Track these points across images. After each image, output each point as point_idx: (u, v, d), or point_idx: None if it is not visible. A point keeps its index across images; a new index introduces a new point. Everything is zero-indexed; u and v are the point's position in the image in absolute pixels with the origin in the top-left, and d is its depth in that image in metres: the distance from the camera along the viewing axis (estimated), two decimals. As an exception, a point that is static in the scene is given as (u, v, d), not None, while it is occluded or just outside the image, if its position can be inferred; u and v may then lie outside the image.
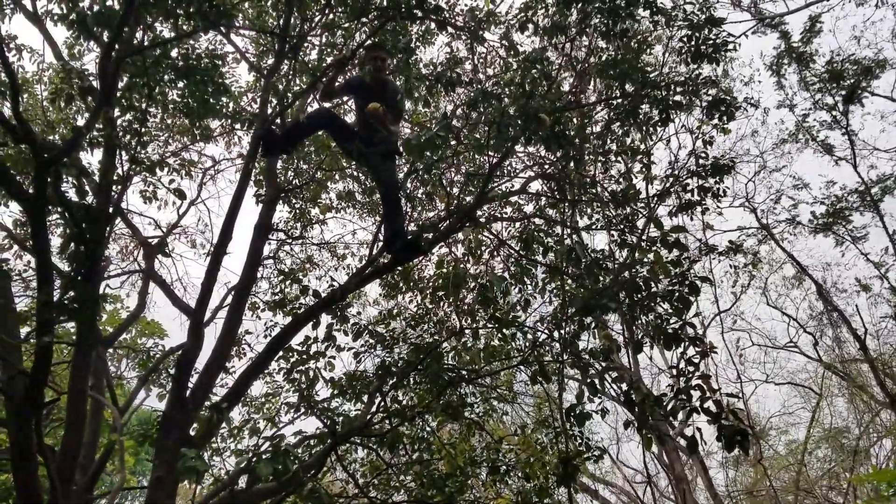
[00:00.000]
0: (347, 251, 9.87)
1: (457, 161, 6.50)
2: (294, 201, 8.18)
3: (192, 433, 4.41)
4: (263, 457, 3.61)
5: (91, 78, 4.64)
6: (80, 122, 7.04)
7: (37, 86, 7.73)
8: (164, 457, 4.20)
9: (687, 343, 4.31)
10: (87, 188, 4.05)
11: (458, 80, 5.29)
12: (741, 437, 3.69)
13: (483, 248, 7.38)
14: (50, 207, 3.84)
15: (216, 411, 3.96)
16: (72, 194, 4.12)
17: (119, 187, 4.94)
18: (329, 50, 6.72)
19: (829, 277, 17.42)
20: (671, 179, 5.64)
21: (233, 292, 6.24)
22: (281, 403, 6.75)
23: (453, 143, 5.30)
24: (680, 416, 4.08)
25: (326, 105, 6.18)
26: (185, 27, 4.93)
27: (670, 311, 4.40)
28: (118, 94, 5.00)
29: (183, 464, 3.34)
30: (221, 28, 5.41)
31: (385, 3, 4.88)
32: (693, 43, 5.31)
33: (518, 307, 5.98)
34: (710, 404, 3.91)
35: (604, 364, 4.68)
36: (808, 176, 23.03)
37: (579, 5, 5.13)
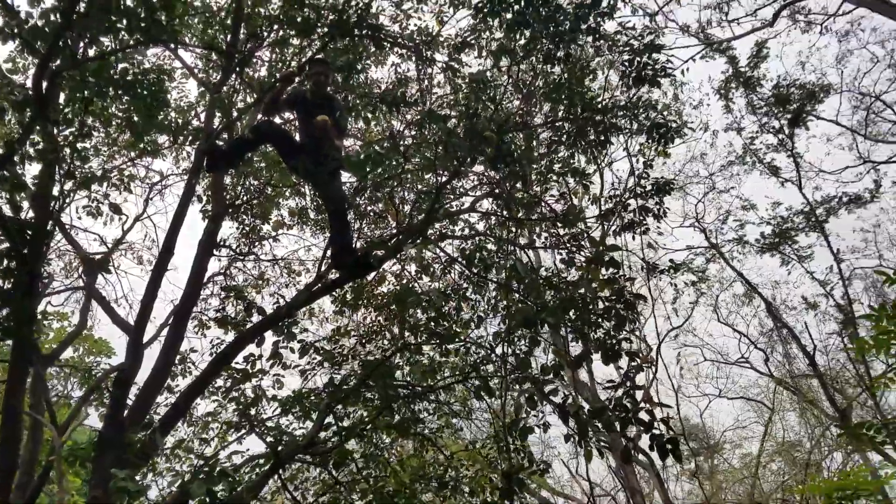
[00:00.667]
0: (302, 268, 9.82)
1: (408, 179, 6.55)
2: (243, 217, 8.11)
3: (127, 453, 4.33)
4: (198, 477, 3.57)
5: (28, 90, 4.56)
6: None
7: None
8: (100, 477, 4.12)
9: (626, 357, 4.42)
10: (22, 203, 3.98)
11: (403, 101, 5.35)
12: (672, 445, 3.77)
13: (434, 265, 7.42)
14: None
15: (152, 431, 3.90)
16: (6, 209, 4.05)
17: (58, 202, 4.85)
18: (278, 66, 6.72)
19: (777, 295, 17.91)
20: (613, 200, 5.77)
21: (176, 309, 6.16)
22: (223, 423, 6.64)
23: (402, 160, 5.34)
24: (618, 427, 4.16)
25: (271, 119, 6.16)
26: (130, 42, 4.90)
27: (612, 327, 4.50)
28: (59, 108, 4.93)
29: (114, 485, 3.29)
30: (167, 43, 5.39)
31: (331, 22, 4.92)
32: (634, 67, 5.47)
33: (471, 324, 6.04)
34: (643, 414, 4.00)
35: (547, 378, 4.75)
36: (755, 197, 23.71)
37: (525, 30, 5.25)
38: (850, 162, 15.81)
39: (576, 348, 5.05)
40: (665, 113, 7.42)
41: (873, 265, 17.01)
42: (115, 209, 5.38)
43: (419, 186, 7.02)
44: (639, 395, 4.14)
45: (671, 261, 7.24)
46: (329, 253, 5.55)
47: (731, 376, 27.86)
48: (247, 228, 8.13)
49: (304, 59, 6.01)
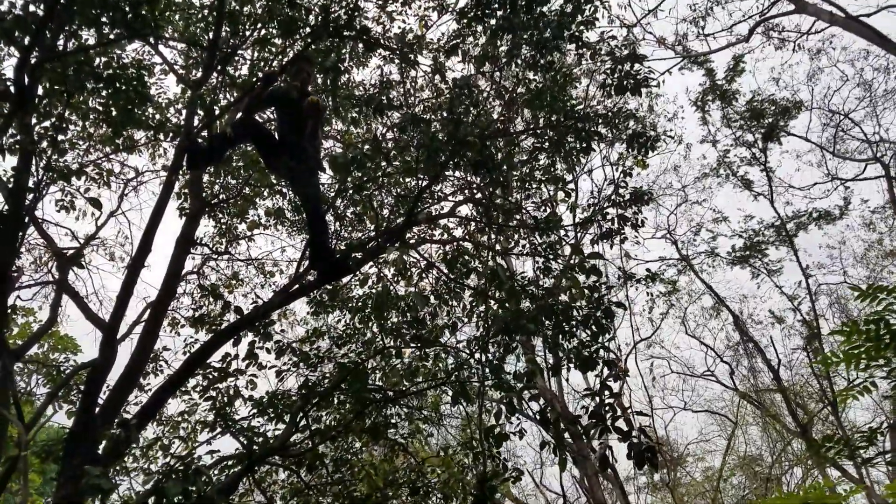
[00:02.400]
0: (276, 268, 9.75)
1: (387, 182, 6.54)
2: (220, 216, 8.04)
3: (99, 451, 4.26)
4: (173, 477, 3.52)
5: (7, 82, 4.48)
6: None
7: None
8: (69, 475, 4.04)
9: (602, 366, 4.46)
10: (-4, 195, 3.91)
11: (388, 105, 5.35)
12: (650, 453, 3.82)
13: (412, 269, 7.42)
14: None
15: (124, 429, 3.84)
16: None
17: (33, 195, 4.77)
18: (261, 65, 6.69)
19: (745, 309, 18.22)
20: (592, 208, 5.83)
21: (150, 307, 6.08)
22: (196, 422, 6.56)
23: (383, 164, 5.34)
24: (593, 434, 4.19)
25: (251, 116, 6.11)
26: (110, 36, 4.84)
27: (589, 335, 4.54)
28: (37, 101, 4.85)
29: (87, 482, 3.23)
30: (148, 38, 5.33)
31: (315, 21, 4.91)
32: (616, 76, 5.54)
33: (447, 329, 6.04)
34: (621, 423, 4.04)
35: (523, 385, 4.77)
36: (727, 210, 24.09)
37: (508, 36, 5.29)
38: (819, 178, 16.19)
39: (549, 356, 5.10)
40: (640, 120, 7.52)
41: (838, 282, 17.41)
42: (95, 203, 5.30)
43: (399, 190, 7.02)
44: (615, 403, 4.18)
45: (648, 270, 7.33)
46: (306, 254, 5.52)
47: (697, 389, 28.21)
48: (223, 227, 8.06)
49: (286, 59, 5.99)
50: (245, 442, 5.25)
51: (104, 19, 4.57)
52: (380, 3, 6.50)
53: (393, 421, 6.87)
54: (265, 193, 8.60)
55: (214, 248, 8.18)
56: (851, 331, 4.85)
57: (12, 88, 4.32)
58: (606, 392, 4.27)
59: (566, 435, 4.23)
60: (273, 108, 5.82)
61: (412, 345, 5.53)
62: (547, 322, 4.61)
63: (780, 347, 17.69)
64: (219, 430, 5.18)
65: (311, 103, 4.95)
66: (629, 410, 4.09)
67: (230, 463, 5.78)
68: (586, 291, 4.44)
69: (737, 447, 20.58)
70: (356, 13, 4.63)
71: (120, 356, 5.04)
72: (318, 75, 5.60)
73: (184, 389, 5.66)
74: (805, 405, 17.51)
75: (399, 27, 6.50)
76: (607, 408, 4.12)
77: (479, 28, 5.46)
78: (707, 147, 16.68)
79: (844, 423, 16.47)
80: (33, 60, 4.43)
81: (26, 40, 4.49)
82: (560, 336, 4.63)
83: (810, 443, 14.91)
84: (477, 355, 5.25)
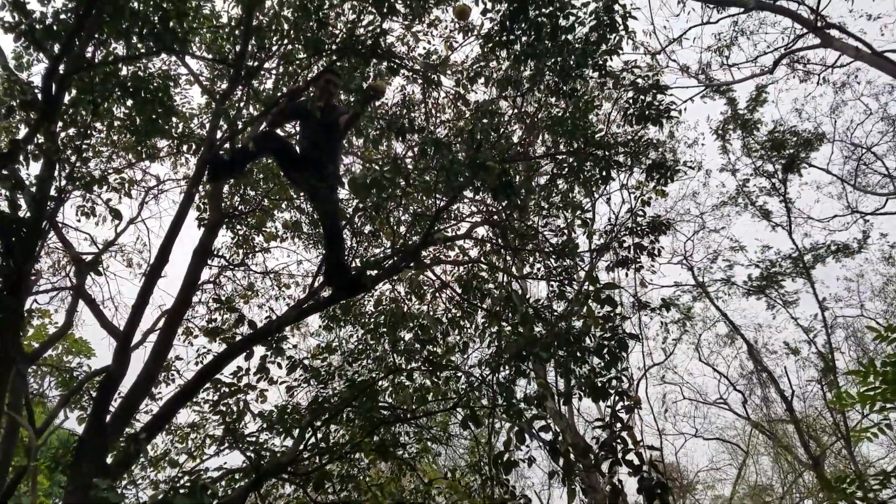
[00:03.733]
0: (291, 280, 9.78)
1: (405, 201, 6.56)
2: (238, 227, 8.08)
3: (108, 461, 4.26)
4: (180, 491, 3.51)
5: (36, 90, 4.55)
6: (22, 131, 6.87)
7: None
8: (78, 483, 4.04)
9: (615, 396, 4.41)
10: (20, 202, 3.95)
11: (410, 128, 5.37)
12: (661, 490, 3.76)
13: (426, 288, 7.42)
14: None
15: (134, 441, 3.84)
16: (3, 206, 4.01)
17: (55, 202, 4.82)
18: (285, 79, 6.74)
19: (760, 338, 18.02)
20: (609, 235, 5.80)
21: (166, 316, 6.10)
22: (205, 435, 6.56)
23: (402, 183, 5.35)
24: (605, 467, 4.14)
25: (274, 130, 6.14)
26: (139, 46, 4.89)
27: (601, 364, 4.50)
28: (63, 108, 4.91)
29: (95, 494, 3.23)
30: (177, 51, 5.39)
31: (342, 41, 4.94)
32: (638, 106, 5.54)
33: (457, 349, 6.01)
34: (632, 456, 3.98)
35: (535, 411, 4.73)
36: (745, 239, 23.93)
37: (532, 62, 5.31)
38: (839, 210, 16.04)
39: (561, 382, 5.06)
40: (661, 150, 7.50)
41: (855, 315, 17.20)
42: (116, 214, 5.33)
43: (416, 207, 7.04)
44: (626, 435, 4.13)
45: (663, 299, 7.27)
46: (322, 270, 5.52)
47: (709, 416, 27.91)
48: (241, 238, 8.10)
49: (310, 75, 6.03)
50: (253, 457, 5.24)
51: (134, 31, 4.63)
52: (406, 24, 6.55)
53: (401, 440, 6.84)
54: (283, 206, 8.65)
55: (231, 259, 8.22)
56: (867, 371, 4.78)
57: (40, 96, 4.37)
58: (618, 423, 4.22)
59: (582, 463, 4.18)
60: (295, 122, 5.85)
61: (423, 367, 5.51)
62: (560, 349, 4.58)
63: (794, 378, 17.49)
64: (227, 445, 5.17)
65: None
66: (641, 444, 4.03)
67: (237, 476, 5.77)
68: (600, 321, 4.40)
69: (747, 477, 20.34)
70: (382, 36, 4.65)
71: (133, 363, 5.06)
72: (342, 93, 5.63)
73: (195, 400, 5.67)
74: (818, 437, 17.27)
75: (424, 48, 6.56)
76: (619, 440, 4.07)
77: (503, 53, 5.48)
78: (726, 175, 16.61)
79: (857, 457, 16.23)
80: (62, 69, 4.48)
81: (56, 48, 4.56)
82: (573, 362, 4.60)
83: (822, 477, 14.67)
84: (488, 378, 5.22)
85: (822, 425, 17.67)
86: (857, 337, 17.37)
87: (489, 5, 5.30)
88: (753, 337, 17.70)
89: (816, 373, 16.88)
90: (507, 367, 5.24)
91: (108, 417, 4.51)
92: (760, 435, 19.31)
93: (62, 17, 4.65)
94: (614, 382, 4.43)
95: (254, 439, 5.56)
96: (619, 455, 3.98)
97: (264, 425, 5.66)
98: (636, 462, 3.92)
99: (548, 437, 4.12)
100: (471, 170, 4.68)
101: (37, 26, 4.50)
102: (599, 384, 4.42)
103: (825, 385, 16.35)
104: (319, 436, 5.78)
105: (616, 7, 5.09)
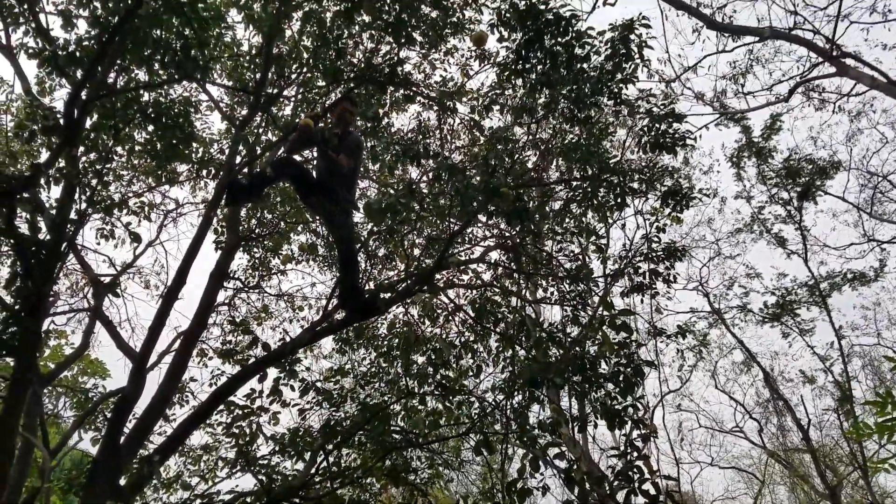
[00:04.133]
0: (305, 303, 9.82)
1: (419, 225, 6.59)
2: (254, 250, 8.15)
3: (122, 482, 4.27)
4: (193, 513, 3.52)
5: (58, 115, 4.64)
6: (43, 155, 7.00)
7: (3, 115, 7.68)
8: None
9: (630, 424, 4.38)
10: (41, 225, 4.02)
11: (425, 154, 5.41)
12: (675, 522, 3.72)
13: (439, 311, 7.42)
14: (1, 239, 3.80)
15: (147, 463, 3.85)
16: (24, 229, 4.08)
17: (74, 225, 4.89)
18: (303, 106, 6.84)
19: (776, 366, 17.83)
20: (624, 261, 5.79)
21: (181, 337, 6.15)
22: (217, 458, 6.55)
23: (416, 207, 5.39)
24: (620, 497, 4.10)
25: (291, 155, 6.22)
26: (161, 73, 4.99)
27: (616, 391, 4.48)
28: (84, 133, 5.00)
29: (108, 516, 3.24)
30: (198, 79, 5.49)
31: (359, 70, 5.02)
32: (653, 134, 5.55)
33: (470, 373, 6.00)
34: (648, 486, 3.95)
35: (549, 438, 4.70)
36: (760, 266, 23.78)
37: (547, 91, 5.35)
38: (855, 239, 15.94)
39: (575, 407, 5.03)
40: (677, 177, 7.51)
41: (872, 343, 17.00)
42: (135, 237, 5.40)
43: (430, 231, 7.07)
44: (642, 464, 4.09)
45: (679, 326, 7.23)
46: (336, 293, 5.55)
47: (725, 445, 27.58)
48: (257, 261, 8.16)
49: (328, 102, 6.12)
50: (264, 480, 5.23)
51: (156, 58, 4.73)
52: (423, 52, 6.64)
53: (413, 465, 6.79)
54: (299, 229, 8.72)
55: (247, 282, 8.27)
56: (885, 401, 4.71)
57: (62, 121, 4.46)
58: (634, 452, 4.19)
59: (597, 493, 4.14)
60: (312, 147, 5.92)
61: (436, 391, 5.50)
62: (574, 376, 4.56)
63: (810, 407, 17.24)
64: (239, 468, 5.16)
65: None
66: (657, 473, 3.99)
67: (249, 500, 5.75)
68: (615, 347, 4.39)
69: (763, 506, 20.01)
70: (399, 65, 4.72)
71: (148, 385, 5.09)
72: (359, 120, 5.70)
73: (208, 422, 5.68)
74: (835, 467, 16.99)
75: (441, 75, 6.64)
76: (634, 469, 4.04)
77: (519, 81, 5.52)
78: (741, 202, 16.53)
79: (875, 488, 15.93)
80: (84, 95, 4.57)
81: (79, 74, 4.66)
82: (587, 387, 4.58)
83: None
84: (502, 403, 5.20)
85: (839, 455, 17.40)
86: (874, 366, 17.17)
87: (505, 34, 5.37)
88: (769, 365, 17.54)
89: (833, 402, 16.67)
90: (520, 393, 5.22)
91: (123, 439, 4.53)
92: (776, 464, 19.03)
93: (85, 43, 4.76)
94: (630, 410, 4.40)
95: (266, 462, 5.56)
96: (635, 484, 3.95)
97: (276, 448, 5.65)
98: (652, 492, 3.88)
99: (562, 464, 4.10)
100: (485, 194, 4.71)
101: (60, 52, 4.60)
102: (615, 410, 4.39)
103: (842, 414, 16.11)
104: (331, 459, 5.77)
105: (632, 36, 5.13)
